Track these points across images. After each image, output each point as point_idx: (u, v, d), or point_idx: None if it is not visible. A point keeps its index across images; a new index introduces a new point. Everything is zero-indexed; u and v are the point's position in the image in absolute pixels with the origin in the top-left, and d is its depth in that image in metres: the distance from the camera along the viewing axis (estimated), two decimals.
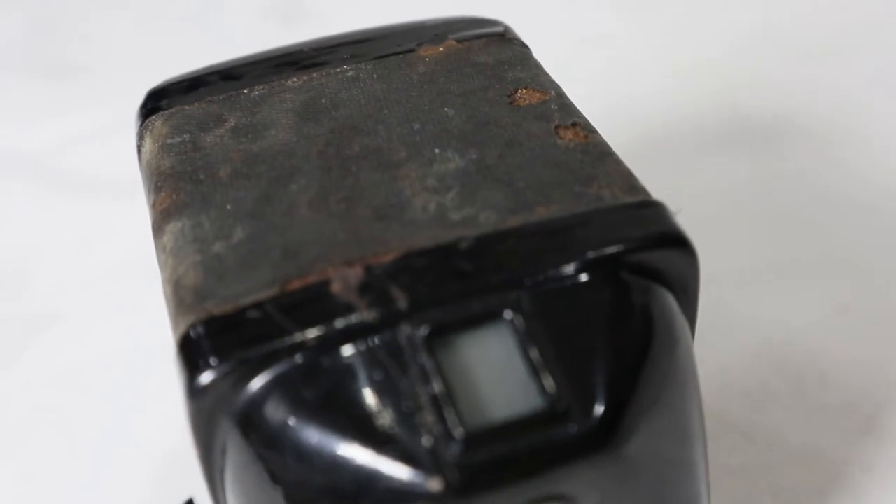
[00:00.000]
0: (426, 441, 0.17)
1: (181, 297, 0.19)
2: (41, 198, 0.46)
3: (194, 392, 0.18)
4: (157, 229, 0.21)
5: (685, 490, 0.20)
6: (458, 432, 0.17)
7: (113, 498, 0.32)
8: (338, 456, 0.17)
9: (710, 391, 0.35)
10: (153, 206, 0.21)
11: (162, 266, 0.20)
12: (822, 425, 0.34)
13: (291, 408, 0.17)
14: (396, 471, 0.17)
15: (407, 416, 0.17)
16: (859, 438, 0.33)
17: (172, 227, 0.20)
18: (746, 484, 0.32)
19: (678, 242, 0.20)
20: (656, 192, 0.42)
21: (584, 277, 0.19)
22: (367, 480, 0.17)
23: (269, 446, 0.18)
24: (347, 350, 0.18)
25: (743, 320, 0.38)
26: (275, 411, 0.17)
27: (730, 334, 0.37)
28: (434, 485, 0.16)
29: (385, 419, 0.17)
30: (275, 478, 0.18)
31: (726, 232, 0.42)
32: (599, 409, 0.17)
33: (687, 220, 0.41)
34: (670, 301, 0.20)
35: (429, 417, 0.17)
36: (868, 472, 0.32)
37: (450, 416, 0.17)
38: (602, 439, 0.17)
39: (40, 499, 0.33)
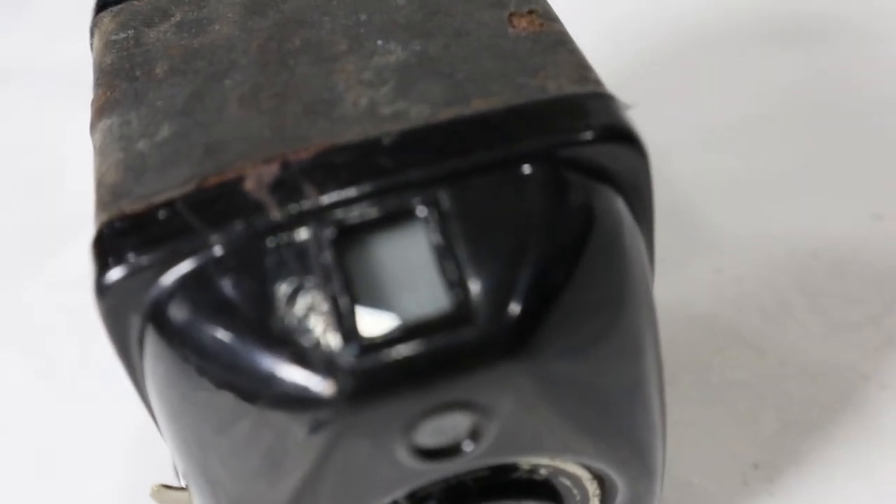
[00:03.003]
0: (322, 343, 0.16)
1: (100, 195, 0.18)
2: (76, 107, 0.46)
3: (102, 290, 0.17)
4: (92, 128, 0.20)
5: (627, 418, 0.19)
6: (355, 335, 0.16)
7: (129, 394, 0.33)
8: (237, 356, 0.16)
9: (722, 302, 0.34)
10: (91, 104, 0.21)
11: (93, 166, 0.20)
12: (840, 342, 0.32)
13: (195, 306, 0.17)
14: (291, 373, 0.16)
15: (306, 318, 0.16)
16: (879, 355, 0.31)
17: (103, 126, 0.20)
18: (751, 397, 0.31)
19: (625, 138, 0.18)
20: (692, 92, 0.41)
21: (513, 174, 0.17)
22: (265, 382, 0.16)
23: (175, 345, 0.17)
24: (253, 249, 0.17)
25: (766, 229, 0.36)
26: (180, 310, 0.17)
27: (750, 244, 0.35)
28: (326, 389, 0.16)
29: (284, 320, 0.16)
30: (182, 375, 0.17)
31: (763, 134, 0.39)
32: (512, 314, 0.16)
33: (724, 121, 0.40)
34: (615, 203, 0.18)
35: (327, 319, 0.16)
36: (886, 389, 0.30)
37: (348, 318, 0.16)
38: (512, 346, 0.16)
39: (56, 393, 0.33)
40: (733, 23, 0.45)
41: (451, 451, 0.17)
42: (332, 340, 0.16)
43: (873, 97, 0.40)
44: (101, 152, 0.19)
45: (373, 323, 0.16)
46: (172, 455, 0.20)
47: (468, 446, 0.17)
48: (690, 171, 0.38)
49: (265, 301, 0.17)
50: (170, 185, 0.18)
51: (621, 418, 0.19)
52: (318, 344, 0.16)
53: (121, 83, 0.21)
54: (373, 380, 0.16)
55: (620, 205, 0.19)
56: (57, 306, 0.37)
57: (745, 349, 0.32)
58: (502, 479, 0.19)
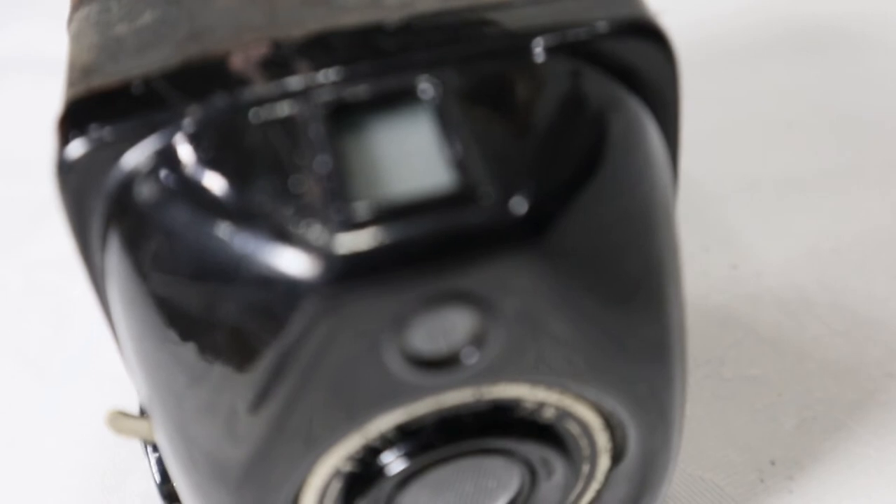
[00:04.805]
0: (306, 221, 0.14)
1: (70, 77, 0.17)
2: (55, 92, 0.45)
3: (62, 167, 0.15)
4: (69, 22, 0.19)
5: (644, 346, 0.17)
6: (344, 211, 0.14)
7: (107, 369, 0.31)
8: (209, 234, 0.14)
9: (739, 297, 0.32)
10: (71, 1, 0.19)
11: (67, 55, 0.18)
12: (864, 339, 0.30)
13: (166, 186, 0.15)
14: (271, 254, 0.14)
15: (289, 195, 0.14)
16: None
17: (80, 14, 0.18)
18: (768, 393, 0.28)
19: (649, 33, 0.16)
20: (712, 94, 0.39)
21: (526, 61, 0.16)
22: (242, 264, 0.14)
23: (142, 232, 0.15)
24: (234, 123, 0.15)
25: (785, 228, 0.34)
26: (149, 190, 0.15)
27: (767, 241, 0.33)
28: (309, 270, 0.14)
29: (265, 198, 0.14)
30: (148, 268, 0.15)
31: (783, 137, 0.38)
32: (523, 199, 0.14)
33: (742, 123, 0.38)
34: (635, 103, 0.16)
35: (314, 194, 0.14)
36: None
37: (337, 194, 0.14)
38: (521, 233, 0.14)
39: (28, 374, 0.31)
40: (758, 29, 0.44)
41: (448, 361, 0.15)
42: (318, 217, 0.14)
43: (890, 102, 0.39)
44: (75, 39, 0.18)
45: (365, 200, 0.14)
46: (133, 378, 0.18)
47: (468, 357, 0.15)
48: (706, 170, 0.36)
49: (245, 178, 0.15)
50: (145, 65, 0.16)
51: (638, 344, 0.16)
52: (301, 221, 0.14)
53: None
54: (362, 262, 0.14)
55: (641, 106, 0.17)
56: (31, 287, 0.35)
57: (762, 344, 0.30)
58: (503, 418, 0.17)
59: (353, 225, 0.14)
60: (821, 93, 0.39)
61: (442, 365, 0.15)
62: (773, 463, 0.27)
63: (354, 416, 0.16)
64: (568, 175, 0.15)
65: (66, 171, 0.15)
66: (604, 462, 0.19)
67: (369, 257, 0.14)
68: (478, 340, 0.15)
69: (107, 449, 0.29)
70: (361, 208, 0.14)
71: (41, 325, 0.34)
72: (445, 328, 0.14)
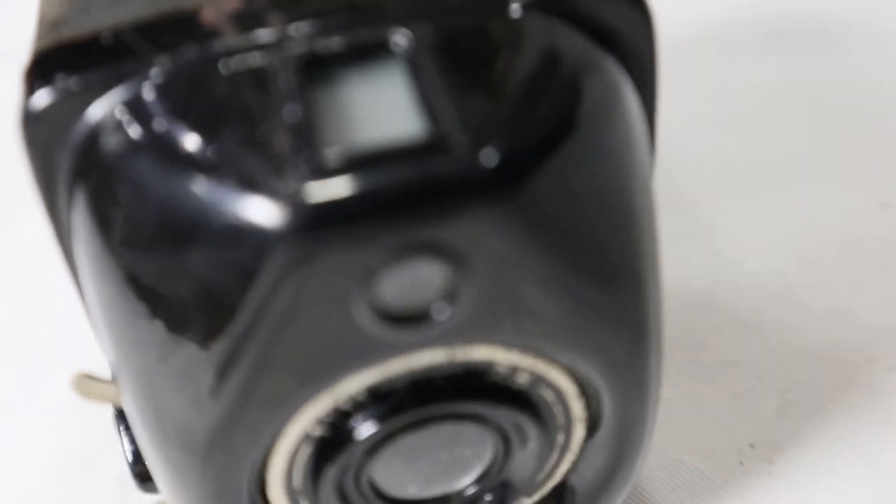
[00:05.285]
0: (274, 169, 0.14)
1: (40, 31, 0.16)
2: None
3: (28, 118, 0.15)
4: None
5: (620, 307, 0.17)
6: (313, 159, 0.14)
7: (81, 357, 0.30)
8: (177, 185, 0.14)
9: (720, 282, 0.31)
10: None
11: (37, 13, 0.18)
12: (845, 324, 0.30)
13: (133, 137, 0.15)
14: (238, 203, 0.14)
15: (258, 143, 0.14)
16: (888, 338, 0.29)
17: None
18: (749, 377, 0.28)
19: None
20: (693, 84, 0.39)
21: (502, 15, 0.15)
22: (203, 214, 0.14)
23: (108, 181, 0.15)
24: (204, 74, 0.15)
25: (768, 215, 0.34)
26: (116, 142, 0.15)
27: (750, 229, 0.33)
28: (276, 219, 0.13)
29: (232, 146, 0.14)
30: (115, 221, 0.15)
31: (765, 127, 0.38)
32: (495, 149, 0.14)
33: (724, 112, 0.38)
34: (610, 65, 0.16)
35: (282, 142, 0.14)
36: (894, 372, 0.28)
37: (306, 141, 0.14)
38: (493, 183, 0.14)
39: (5, 357, 0.31)
40: (739, 22, 0.44)
41: (419, 318, 0.15)
42: (288, 166, 0.14)
43: (883, 94, 0.39)
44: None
45: (335, 148, 0.14)
46: (100, 342, 0.17)
47: (439, 313, 0.15)
48: (689, 159, 0.36)
49: (213, 128, 0.14)
50: (118, 18, 0.16)
51: (612, 309, 0.16)
52: (271, 170, 0.14)
53: None
54: (332, 210, 0.13)
55: (618, 68, 0.16)
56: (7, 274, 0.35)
57: (743, 329, 0.30)
58: (476, 382, 0.17)
59: (322, 173, 0.13)
60: (802, 84, 0.39)
61: (412, 321, 0.15)
62: (752, 446, 0.27)
63: (324, 376, 0.15)
64: (542, 132, 0.15)
65: (32, 122, 0.15)
66: (579, 432, 0.18)
67: (339, 206, 0.13)
68: (449, 296, 0.14)
69: (81, 432, 0.29)
70: (331, 156, 0.14)
71: (14, 311, 0.33)
72: (416, 282, 0.14)
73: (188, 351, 0.15)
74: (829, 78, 0.39)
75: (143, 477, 0.23)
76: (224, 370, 0.15)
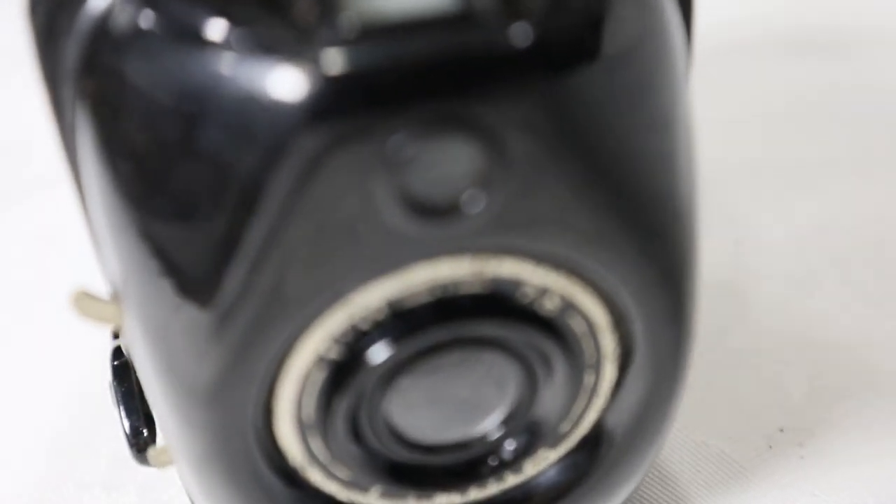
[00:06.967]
0: (294, 37, 0.13)
1: None
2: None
3: (33, 2, 0.14)
4: None
5: (652, 198, 0.15)
6: (335, 28, 0.13)
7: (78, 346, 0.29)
8: (190, 57, 0.13)
9: (745, 270, 0.30)
10: None
11: None
12: (875, 312, 0.29)
13: (143, 9, 0.14)
14: (253, 73, 0.13)
15: (276, 9, 0.13)
16: None
17: None
18: (776, 363, 0.27)
19: None
20: (717, 90, 0.39)
21: None
22: (220, 87, 0.13)
23: (118, 64, 0.14)
24: None
25: (791, 209, 0.33)
26: (126, 16, 0.14)
27: (774, 221, 0.32)
28: (296, 90, 0.12)
29: (248, 12, 0.13)
30: (125, 102, 0.14)
31: (792, 128, 0.37)
32: (524, 26, 0.13)
33: (746, 118, 0.38)
34: None
35: (303, 10, 0.13)
36: None
37: (329, 9, 0.13)
38: (519, 61, 0.13)
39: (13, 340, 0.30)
40: (764, 32, 0.44)
41: (449, 210, 0.14)
42: (307, 35, 0.13)
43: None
44: None
45: (359, 16, 0.13)
46: (102, 260, 0.16)
47: (471, 204, 0.14)
48: (710, 158, 0.36)
49: None
50: None
51: (647, 216, 0.15)
52: (289, 37, 0.13)
53: None
54: (353, 81, 0.12)
55: None
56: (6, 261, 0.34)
57: (769, 316, 0.29)
58: (501, 305, 0.16)
59: (344, 42, 0.13)
60: (829, 88, 0.39)
61: (441, 214, 0.14)
62: (782, 430, 0.25)
63: (342, 280, 0.14)
64: (580, 15, 0.14)
65: (36, 5, 0.14)
66: (609, 372, 0.17)
67: (360, 76, 0.12)
68: (482, 182, 0.13)
69: (73, 419, 0.27)
70: (354, 24, 0.13)
71: (15, 299, 0.32)
72: (445, 168, 0.13)
73: (197, 247, 0.14)
74: (855, 82, 0.39)
75: (139, 448, 0.22)
76: (235, 269, 0.14)
